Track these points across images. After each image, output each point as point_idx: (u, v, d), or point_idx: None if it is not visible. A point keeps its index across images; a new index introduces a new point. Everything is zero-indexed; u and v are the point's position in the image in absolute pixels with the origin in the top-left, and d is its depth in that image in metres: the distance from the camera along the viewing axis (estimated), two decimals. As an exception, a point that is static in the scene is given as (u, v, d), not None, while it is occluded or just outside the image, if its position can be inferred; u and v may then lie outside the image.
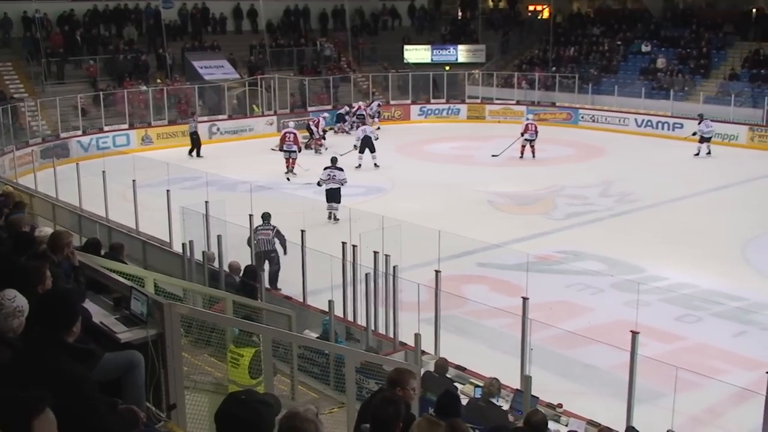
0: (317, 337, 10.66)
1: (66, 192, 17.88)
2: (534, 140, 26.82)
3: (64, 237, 6.74)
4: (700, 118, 27.70)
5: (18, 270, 5.22)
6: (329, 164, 19.92)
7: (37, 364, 3.77)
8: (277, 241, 14.61)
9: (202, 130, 30.64)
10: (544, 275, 14.51)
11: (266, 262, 14.50)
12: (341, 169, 19.76)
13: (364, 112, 32.72)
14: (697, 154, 27.06)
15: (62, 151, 26.51)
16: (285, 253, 14.48)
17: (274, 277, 14.44)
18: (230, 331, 8.04)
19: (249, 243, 14.41)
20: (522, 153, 26.88)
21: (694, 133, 27.57)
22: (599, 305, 13.78)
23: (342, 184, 19.46)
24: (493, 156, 26.96)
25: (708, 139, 27.11)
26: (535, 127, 27.07)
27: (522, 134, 26.88)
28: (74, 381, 3.77)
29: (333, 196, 19.30)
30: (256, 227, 14.46)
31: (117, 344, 5.48)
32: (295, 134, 24.95)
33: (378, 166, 25.52)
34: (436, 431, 4.82)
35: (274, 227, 14.79)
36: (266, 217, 14.91)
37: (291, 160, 24.59)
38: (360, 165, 25.34)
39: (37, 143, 26.63)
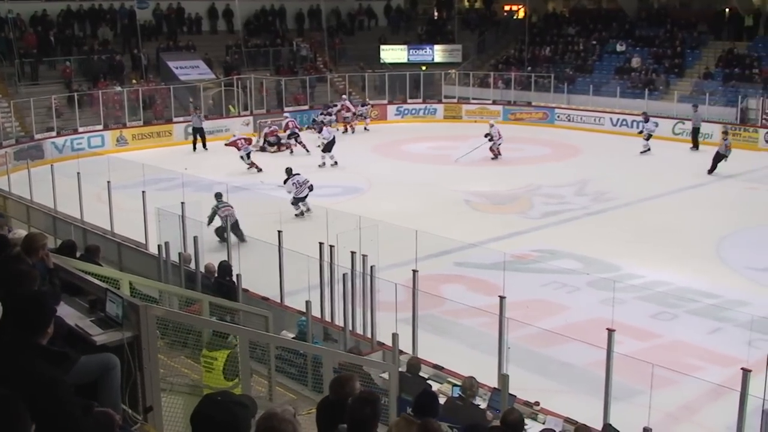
0: (293, 338, 10.65)
1: (40, 194, 17.76)
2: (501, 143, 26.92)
3: (38, 239, 6.64)
4: (646, 116, 28.55)
5: (10, 274, 5.20)
6: (287, 176, 19.77)
7: (10, 366, 3.73)
8: None
9: (178, 130, 30.54)
10: (521, 274, 14.57)
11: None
12: (299, 174, 19.81)
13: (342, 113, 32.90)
14: (647, 151, 27.65)
15: (36, 152, 26.28)
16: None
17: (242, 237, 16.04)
18: (207, 333, 8.01)
19: (211, 219, 15.83)
20: (495, 154, 26.91)
21: (641, 131, 28.30)
22: (575, 303, 13.86)
23: (311, 189, 19.63)
24: (456, 161, 26.61)
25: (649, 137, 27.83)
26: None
27: (491, 139, 26.64)
28: (48, 384, 3.73)
29: (303, 199, 19.52)
30: (217, 204, 16.48)
31: (92, 347, 5.43)
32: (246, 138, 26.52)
33: (337, 164, 25.87)
34: (413, 431, 4.83)
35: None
36: (220, 195, 16.74)
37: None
38: (324, 164, 25.79)
39: (11, 145, 26.38)
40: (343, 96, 34.31)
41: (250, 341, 7.59)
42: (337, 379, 5.75)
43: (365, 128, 33.27)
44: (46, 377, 3.76)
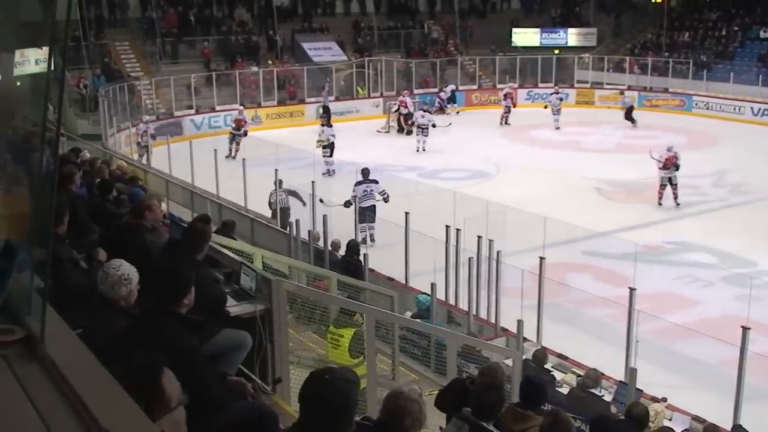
0: (411, 316, 10.73)
1: (179, 169, 18.45)
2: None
3: (145, 200, 6.63)
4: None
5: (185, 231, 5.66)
6: (361, 178, 16.46)
7: (150, 333, 3.91)
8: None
9: (310, 111, 31.12)
10: (652, 266, 14.12)
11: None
12: (377, 181, 16.58)
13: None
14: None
15: (176, 129, 27.25)
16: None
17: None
18: (334, 310, 8.17)
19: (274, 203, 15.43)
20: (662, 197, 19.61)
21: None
22: (709, 299, 13.39)
23: (385, 199, 16.30)
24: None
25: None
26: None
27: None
28: (184, 351, 3.89)
29: (369, 215, 16.08)
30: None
31: (227, 318, 5.64)
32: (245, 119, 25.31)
33: (334, 173, 21.94)
34: (523, 421, 4.82)
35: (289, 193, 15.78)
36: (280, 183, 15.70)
37: (236, 143, 24.21)
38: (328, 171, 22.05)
39: (152, 121, 27.38)
40: (511, 84, 33.27)
41: (376, 320, 7.70)
42: (485, 368, 5.78)
43: (556, 126, 29.65)
44: (182, 344, 3.92)
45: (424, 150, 24.97)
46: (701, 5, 40.02)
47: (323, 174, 20.65)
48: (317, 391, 3.16)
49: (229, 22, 35.13)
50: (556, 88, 32.12)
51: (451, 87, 33.71)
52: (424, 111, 26.33)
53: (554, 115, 29.64)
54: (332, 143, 22.38)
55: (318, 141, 22.44)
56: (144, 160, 21.94)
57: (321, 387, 3.15)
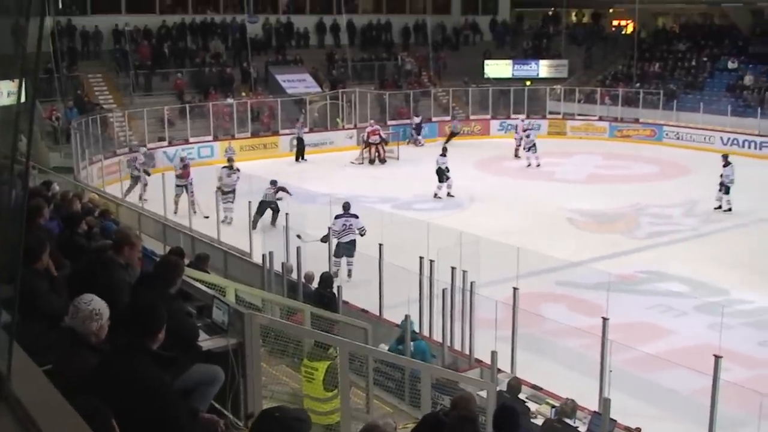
0: (397, 338, 10.70)
1: (151, 201, 18.37)
2: None
3: (127, 237, 6.31)
4: (725, 160, 22.51)
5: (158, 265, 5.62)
6: (341, 211, 16.11)
7: (121, 370, 3.86)
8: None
9: (284, 143, 31.14)
10: (625, 295, 14.22)
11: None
12: (357, 216, 16.13)
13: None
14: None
15: (148, 161, 27.10)
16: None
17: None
18: (308, 343, 8.12)
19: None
20: None
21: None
22: (681, 328, 13.48)
23: (362, 234, 15.78)
24: None
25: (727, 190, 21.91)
26: None
27: None
28: (157, 387, 3.84)
29: (348, 249, 15.76)
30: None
31: (199, 352, 5.58)
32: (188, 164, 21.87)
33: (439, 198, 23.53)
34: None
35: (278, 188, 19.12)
36: (274, 183, 19.25)
37: (191, 193, 20.43)
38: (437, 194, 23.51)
39: (125, 153, 27.30)
40: (522, 119, 32.62)
41: (350, 353, 7.65)
42: (457, 397, 5.75)
43: (528, 164, 28.66)
44: (154, 380, 3.87)
45: (451, 195, 23.61)
46: (671, 36, 40.71)
47: (222, 222, 17.91)
48: (267, 429, 3.13)
49: (203, 54, 35.14)
50: (523, 123, 31.12)
51: (416, 120, 33.82)
52: (441, 155, 24.40)
53: (527, 152, 28.46)
54: (234, 189, 20.08)
55: (220, 186, 19.73)
56: (140, 190, 21.65)
57: (271, 425, 3.13)
